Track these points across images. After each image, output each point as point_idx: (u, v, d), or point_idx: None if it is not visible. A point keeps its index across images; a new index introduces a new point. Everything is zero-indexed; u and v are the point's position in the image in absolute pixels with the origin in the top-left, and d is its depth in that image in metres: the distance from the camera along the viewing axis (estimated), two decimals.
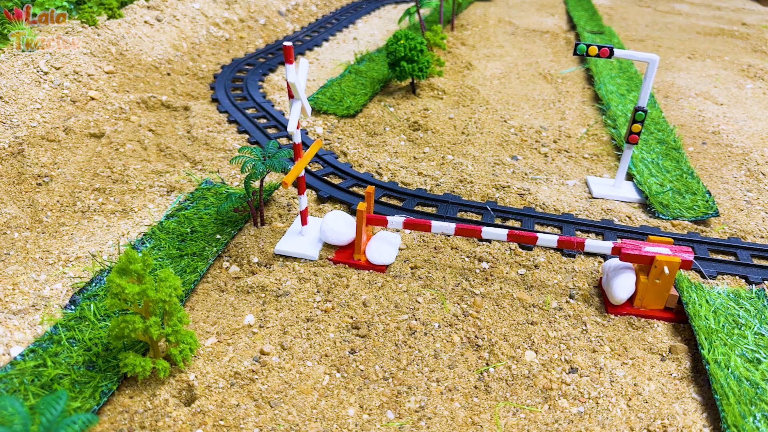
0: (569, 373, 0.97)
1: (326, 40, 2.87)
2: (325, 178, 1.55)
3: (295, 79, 1.08)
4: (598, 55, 1.32)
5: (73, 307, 1.06)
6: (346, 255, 1.23)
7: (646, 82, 1.35)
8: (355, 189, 1.51)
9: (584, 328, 1.07)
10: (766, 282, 1.20)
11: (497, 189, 1.51)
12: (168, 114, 1.89)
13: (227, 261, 1.24)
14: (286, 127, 1.85)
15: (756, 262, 1.27)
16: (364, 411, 0.90)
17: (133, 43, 2.20)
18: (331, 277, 1.17)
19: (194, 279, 1.15)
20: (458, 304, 1.12)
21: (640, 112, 1.38)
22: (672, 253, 1.06)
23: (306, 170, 1.57)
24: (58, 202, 1.41)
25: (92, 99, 1.84)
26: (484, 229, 1.15)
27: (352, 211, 1.41)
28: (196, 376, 0.93)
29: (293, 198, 1.47)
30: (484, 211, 1.41)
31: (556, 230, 1.36)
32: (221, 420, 0.87)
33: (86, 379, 0.91)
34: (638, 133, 1.41)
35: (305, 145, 1.71)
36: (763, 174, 1.65)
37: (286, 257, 1.24)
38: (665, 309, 1.10)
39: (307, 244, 1.25)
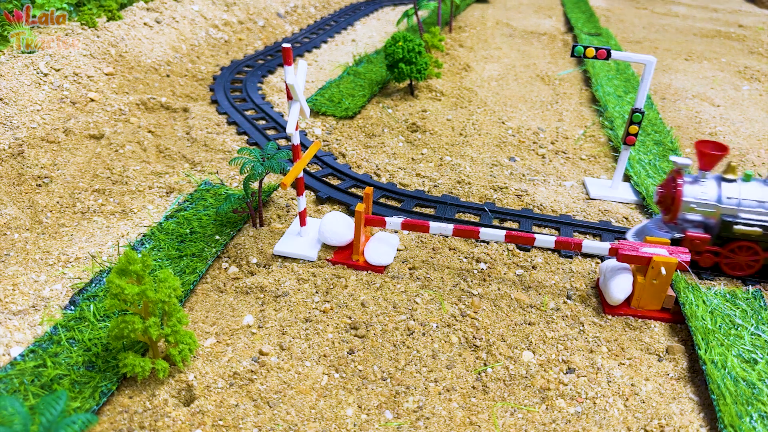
0: (567, 373, 0.98)
1: (325, 42, 2.88)
2: (324, 179, 1.55)
3: (294, 80, 1.08)
4: (595, 57, 1.33)
5: (72, 307, 1.07)
6: (345, 256, 1.23)
7: (643, 83, 1.36)
8: (353, 190, 1.51)
9: (582, 328, 1.08)
10: (762, 283, 1.21)
11: (495, 190, 1.52)
12: (167, 115, 1.90)
13: (226, 262, 1.24)
14: (285, 129, 1.85)
15: None
16: (362, 411, 0.90)
17: (133, 45, 2.20)
18: (330, 277, 1.17)
19: (193, 280, 1.15)
20: (456, 304, 1.12)
21: (637, 113, 1.39)
22: (669, 254, 1.07)
23: (305, 171, 1.57)
24: (57, 203, 1.42)
25: (92, 100, 1.85)
26: (482, 230, 1.16)
27: (351, 212, 1.41)
28: (195, 377, 0.94)
29: (292, 199, 1.47)
30: (482, 212, 1.41)
31: (553, 231, 1.37)
32: (220, 420, 0.87)
33: (86, 379, 0.91)
34: (635, 135, 1.42)
35: (304, 146, 1.71)
36: (760, 175, 1.66)
37: (285, 258, 1.24)
38: (662, 309, 1.11)
39: (305, 245, 1.26)
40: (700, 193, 1.21)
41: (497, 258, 1.27)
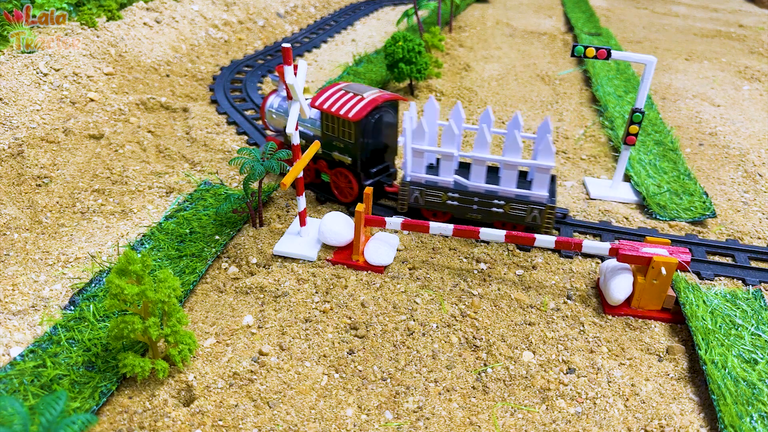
0: (567, 373, 0.98)
1: (325, 41, 2.88)
2: None
3: (294, 80, 1.08)
4: (595, 57, 1.33)
5: (72, 307, 1.07)
6: (345, 256, 1.23)
7: (644, 83, 1.35)
8: None
9: (582, 328, 1.07)
10: (762, 283, 1.21)
11: None
12: (167, 115, 1.90)
13: (226, 262, 1.24)
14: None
15: (754, 264, 1.28)
16: (362, 411, 0.90)
17: (133, 45, 2.20)
18: (330, 277, 1.17)
19: (193, 280, 1.15)
20: (456, 304, 1.12)
21: (637, 113, 1.39)
22: (669, 254, 1.07)
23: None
24: (57, 203, 1.42)
25: (91, 100, 1.85)
26: (482, 230, 1.16)
27: (351, 212, 1.41)
28: (195, 377, 0.94)
29: (292, 199, 1.47)
30: None
31: (554, 231, 1.37)
32: (220, 420, 0.87)
33: (85, 379, 0.91)
34: (635, 135, 1.42)
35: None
36: (760, 175, 1.66)
37: (285, 258, 1.24)
38: (662, 310, 1.11)
39: (305, 245, 1.25)
40: (277, 104, 1.50)
41: (497, 258, 1.27)
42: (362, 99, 1.32)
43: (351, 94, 1.34)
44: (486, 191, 1.30)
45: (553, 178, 1.34)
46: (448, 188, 1.31)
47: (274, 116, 1.52)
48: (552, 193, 1.29)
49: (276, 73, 1.45)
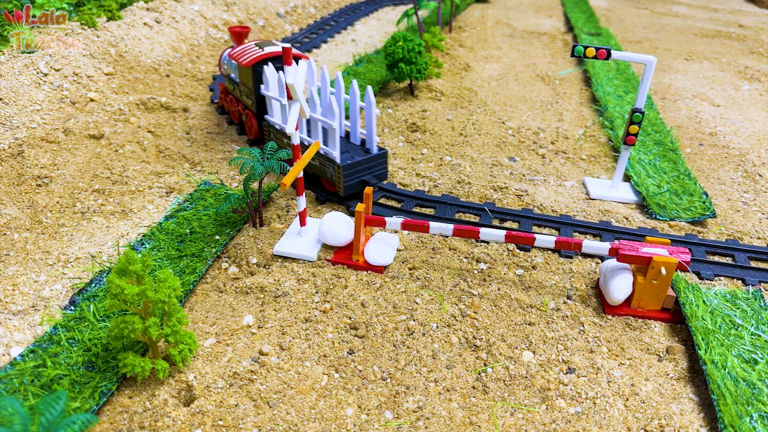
0: (567, 373, 0.98)
1: (325, 41, 2.88)
2: None
3: (294, 80, 1.08)
4: (595, 57, 1.33)
5: (72, 307, 1.07)
6: (345, 256, 1.23)
7: (644, 83, 1.35)
8: None
9: (582, 328, 1.07)
10: (762, 283, 1.21)
11: (495, 190, 1.52)
12: (167, 115, 1.90)
13: (226, 262, 1.24)
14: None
15: (753, 264, 1.28)
16: (362, 411, 0.90)
17: (133, 45, 2.20)
18: (330, 277, 1.17)
19: (193, 280, 1.15)
20: (456, 304, 1.12)
21: (637, 113, 1.39)
22: (669, 254, 1.07)
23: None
24: (57, 203, 1.42)
25: (92, 100, 1.85)
26: (482, 230, 1.16)
27: (351, 212, 1.41)
28: (195, 377, 0.94)
29: (292, 199, 1.47)
30: (482, 212, 1.41)
31: (553, 231, 1.37)
32: (220, 420, 0.87)
33: (86, 379, 0.91)
34: (635, 135, 1.42)
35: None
36: (760, 175, 1.66)
37: (285, 258, 1.24)
38: (662, 310, 1.11)
39: (305, 245, 1.25)
40: (228, 57, 1.75)
41: (497, 258, 1.27)
42: (260, 50, 1.57)
43: (257, 48, 1.60)
44: (308, 143, 1.48)
45: (384, 155, 1.46)
46: (285, 134, 1.50)
47: (224, 66, 1.78)
48: (367, 160, 1.42)
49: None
